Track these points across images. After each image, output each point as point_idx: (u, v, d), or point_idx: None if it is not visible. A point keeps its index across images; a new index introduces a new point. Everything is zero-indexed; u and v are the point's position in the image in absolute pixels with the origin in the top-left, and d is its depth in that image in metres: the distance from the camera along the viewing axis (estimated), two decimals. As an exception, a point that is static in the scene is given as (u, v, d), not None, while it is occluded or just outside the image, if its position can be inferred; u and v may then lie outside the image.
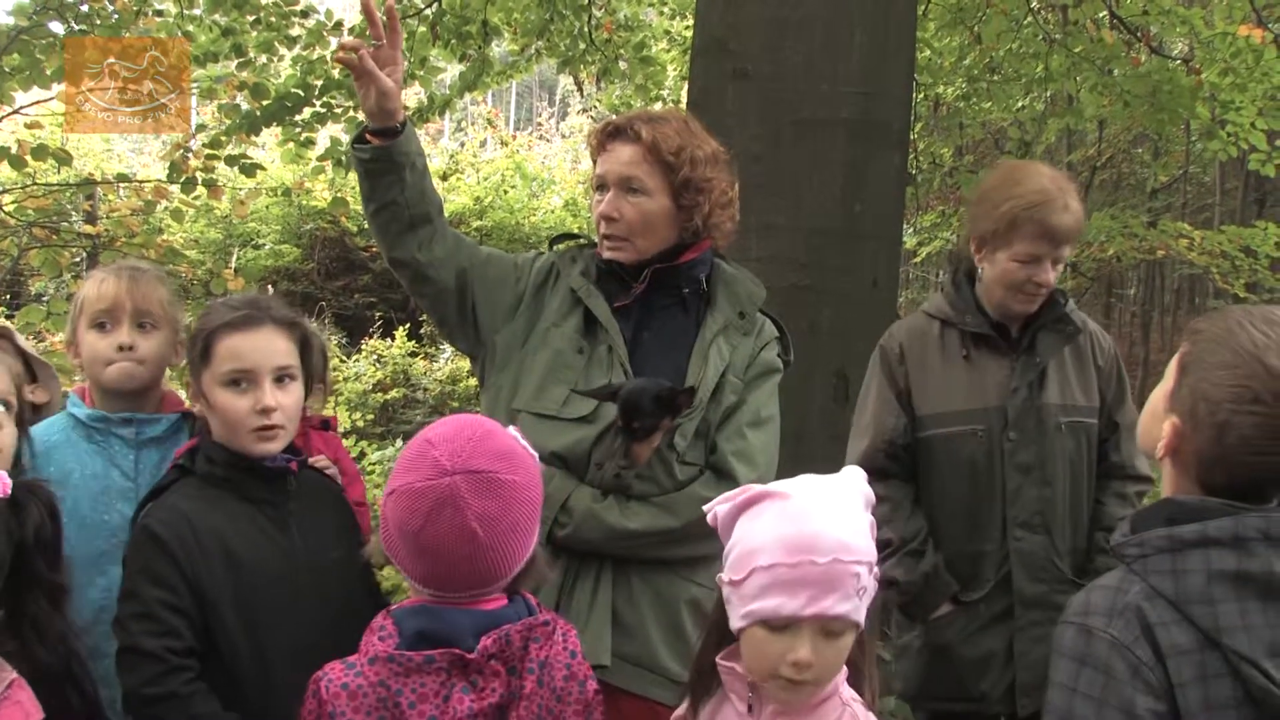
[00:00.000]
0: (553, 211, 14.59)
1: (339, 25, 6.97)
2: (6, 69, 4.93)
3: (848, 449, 2.72)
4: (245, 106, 6.37)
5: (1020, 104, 8.81)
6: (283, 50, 6.66)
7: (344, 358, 9.92)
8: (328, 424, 2.79)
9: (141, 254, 5.24)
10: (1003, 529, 2.53)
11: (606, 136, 2.19)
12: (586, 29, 7.78)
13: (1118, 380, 2.66)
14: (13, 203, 5.44)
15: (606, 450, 2.09)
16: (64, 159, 5.14)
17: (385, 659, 1.49)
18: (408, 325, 10.44)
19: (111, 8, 5.30)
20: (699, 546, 2.04)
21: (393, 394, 9.29)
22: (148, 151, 16.67)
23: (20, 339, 2.19)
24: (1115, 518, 2.51)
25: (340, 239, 12.83)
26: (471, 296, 2.21)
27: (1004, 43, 7.39)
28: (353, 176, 8.85)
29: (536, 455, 1.65)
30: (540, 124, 25.93)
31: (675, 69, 8.83)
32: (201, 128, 6.62)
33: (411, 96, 9.08)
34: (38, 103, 5.18)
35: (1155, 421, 1.51)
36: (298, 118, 6.71)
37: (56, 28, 5.06)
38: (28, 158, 4.90)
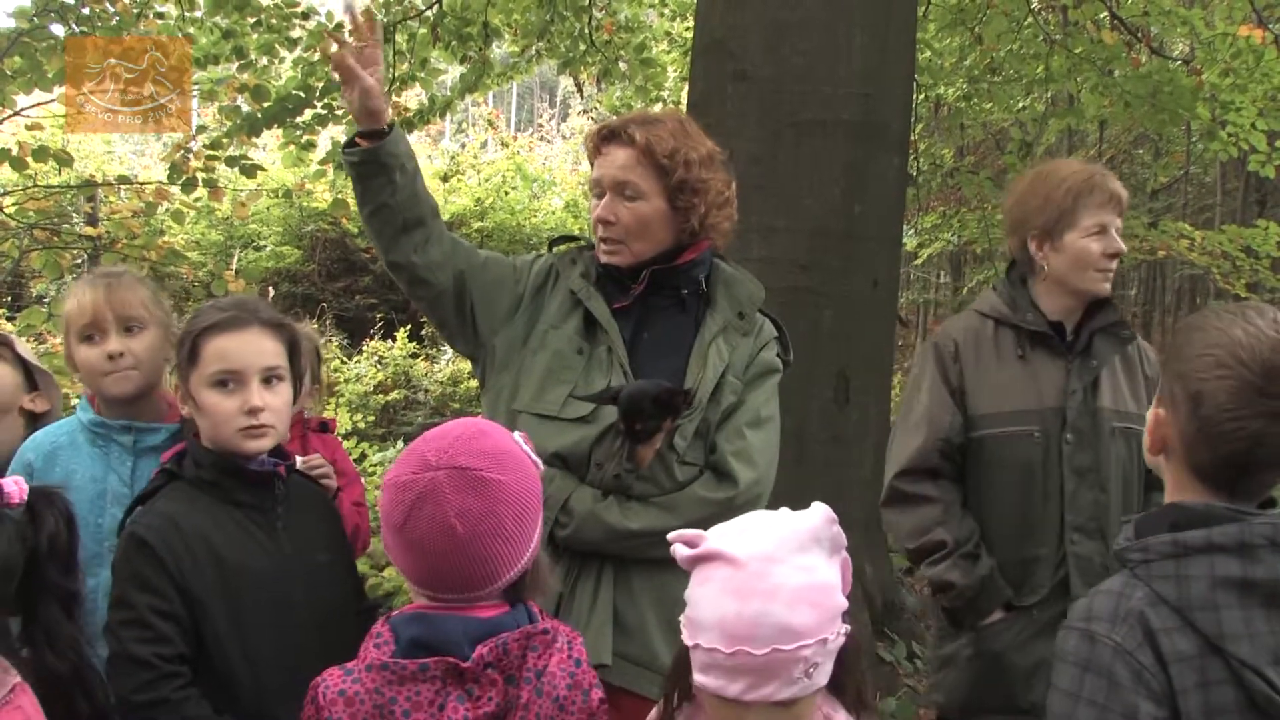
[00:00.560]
0: (553, 213, 14.59)
1: (340, 27, 6.98)
2: (8, 72, 4.94)
3: (894, 447, 2.65)
4: (246, 108, 6.38)
5: (1021, 105, 8.81)
6: (283, 52, 6.67)
7: (345, 359, 9.91)
8: (326, 426, 2.80)
9: (143, 255, 5.24)
10: (1059, 533, 2.47)
11: (601, 140, 2.20)
12: (587, 30, 7.79)
13: None
14: (14, 205, 5.45)
15: (607, 451, 2.09)
16: (65, 160, 5.15)
17: (380, 666, 1.49)
18: (409, 327, 10.44)
19: (112, 10, 5.31)
20: (699, 547, 2.04)
21: (394, 395, 9.29)
22: (149, 153, 16.69)
23: (20, 346, 2.20)
24: None
25: (341, 240, 12.83)
26: (470, 299, 2.21)
27: (1004, 43, 7.40)
28: (353, 178, 8.85)
29: (541, 465, 1.63)
30: (541, 125, 25.96)
31: (676, 70, 8.84)
32: (202, 129, 6.62)
33: (413, 98, 9.08)
34: (39, 104, 5.18)
35: (1153, 423, 1.52)
36: (298, 119, 6.72)
37: (57, 30, 5.07)
38: (29, 159, 4.91)
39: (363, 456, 7.13)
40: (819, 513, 1.45)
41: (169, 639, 1.77)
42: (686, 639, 1.44)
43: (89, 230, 6.11)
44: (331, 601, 1.97)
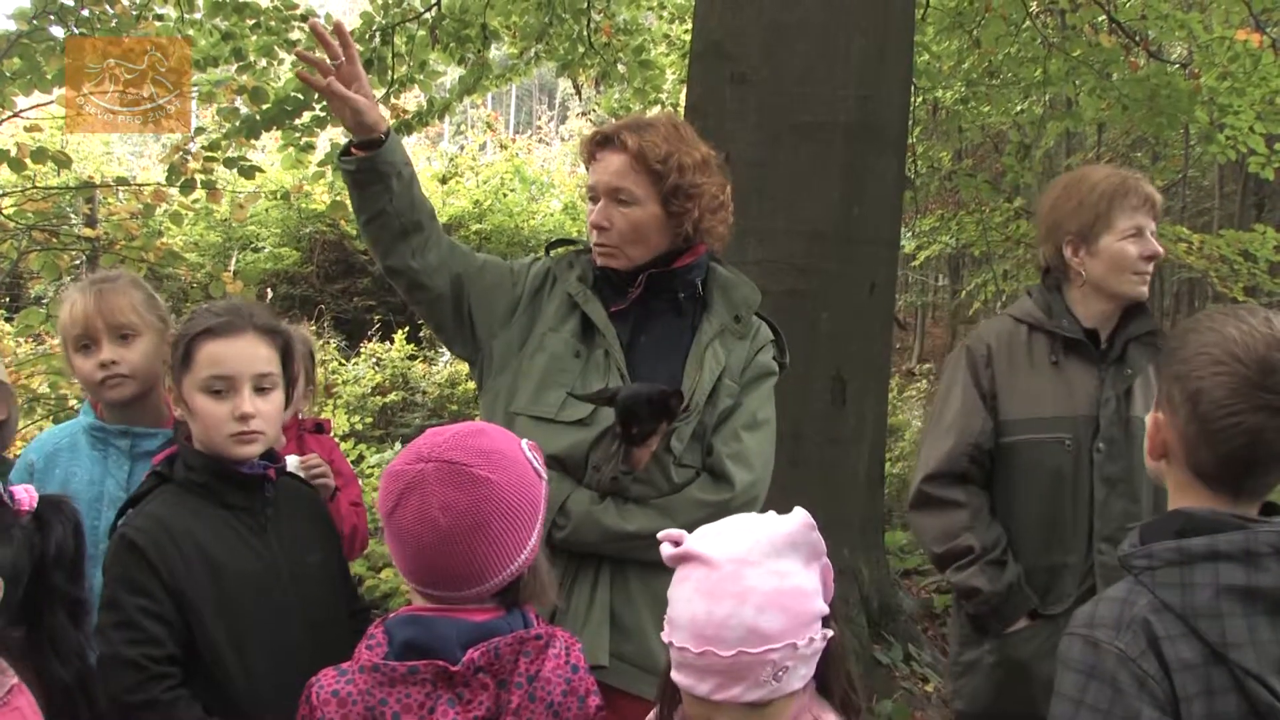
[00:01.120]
0: (552, 215, 14.59)
1: (338, 30, 6.98)
2: (7, 73, 4.94)
3: (923, 450, 2.64)
4: (245, 110, 6.38)
5: (1019, 108, 8.82)
6: (282, 54, 6.68)
7: (343, 361, 9.91)
8: (321, 426, 2.80)
9: (141, 257, 5.24)
10: (1087, 542, 2.46)
11: (595, 146, 2.21)
12: (585, 32, 7.80)
13: None
14: (12, 205, 5.45)
15: (603, 453, 2.10)
16: (63, 162, 5.15)
17: (371, 668, 1.49)
18: (407, 328, 10.44)
19: (111, 11, 5.31)
20: (696, 548, 2.05)
21: (392, 397, 9.28)
22: (148, 155, 16.70)
23: None
24: None
25: (339, 242, 12.83)
26: (467, 302, 2.22)
27: (1002, 46, 7.41)
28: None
29: (545, 475, 1.63)
30: (540, 127, 25.99)
31: (674, 73, 8.84)
32: (200, 130, 6.63)
33: (411, 100, 9.09)
34: (37, 106, 5.19)
35: (1151, 433, 1.52)
36: (297, 121, 6.72)
37: (57, 32, 5.07)
38: (27, 160, 4.91)
39: (360, 458, 7.13)
40: (797, 518, 1.45)
41: (158, 640, 1.77)
42: (665, 636, 1.45)
43: (87, 231, 6.11)
44: (322, 602, 1.99)
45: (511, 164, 15.43)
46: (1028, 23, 7.27)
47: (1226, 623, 1.32)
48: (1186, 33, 6.87)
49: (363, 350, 10.22)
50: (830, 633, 1.45)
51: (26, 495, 1.58)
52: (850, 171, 4.06)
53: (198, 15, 6.31)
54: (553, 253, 2.40)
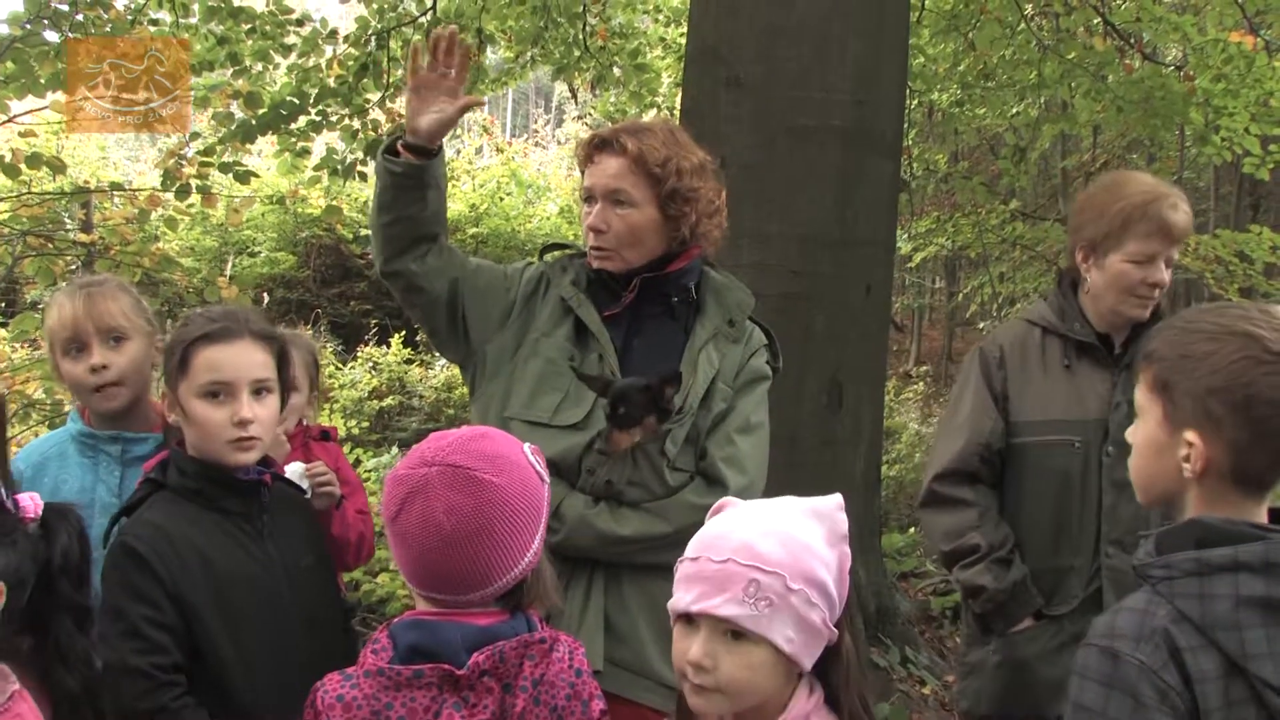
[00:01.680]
0: (548, 218, 14.60)
1: (334, 34, 6.99)
2: (1, 78, 4.93)
3: (934, 449, 2.66)
4: (240, 115, 6.38)
5: (1014, 110, 8.83)
6: (278, 58, 6.67)
7: (339, 365, 9.90)
8: (327, 434, 2.79)
9: (137, 262, 5.23)
10: (1095, 545, 2.46)
11: (593, 149, 2.21)
12: (581, 36, 7.80)
13: None
14: (7, 211, 5.44)
15: (598, 457, 2.10)
16: (58, 167, 5.13)
17: (377, 672, 1.50)
18: (403, 332, 10.42)
19: (106, 16, 5.31)
20: (690, 552, 2.05)
21: (388, 401, 9.27)
22: (144, 159, 16.69)
23: None
24: None
25: (336, 246, 12.82)
26: (462, 306, 2.22)
27: (997, 49, 7.42)
28: (349, 184, 8.84)
29: (547, 479, 1.64)
30: (536, 131, 25.97)
31: (670, 76, 8.85)
32: (195, 135, 6.62)
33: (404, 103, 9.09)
34: (32, 111, 5.17)
35: (1159, 455, 1.47)
36: (293, 126, 6.72)
37: (51, 36, 5.07)
38: (21, 166, 4.89)
39: (357, 462, 7.11)
40: (832, 498, 1.53)
41: (165, 649, 1.78)
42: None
43: (82, 236, 6.09)
44: (318, 604, 2.01)
45: (508, 168, 15.42)
46: (1023, 25, 7.28)
47: (1245, 634, 1.31)
48: (1181, 35, 6.89)
49: (359, 354, 10.20)
50: (836, 634, 1.47)
51: (32, 503, 1.58)
52: (845, 174, 4.06)
53: (193, 20, 6.31)
54: (546, 257, 2.39)
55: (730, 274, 2.36)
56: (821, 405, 4.11)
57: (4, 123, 5.13)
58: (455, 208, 13.84)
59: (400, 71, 7.38)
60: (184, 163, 6.02)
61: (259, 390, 1.95)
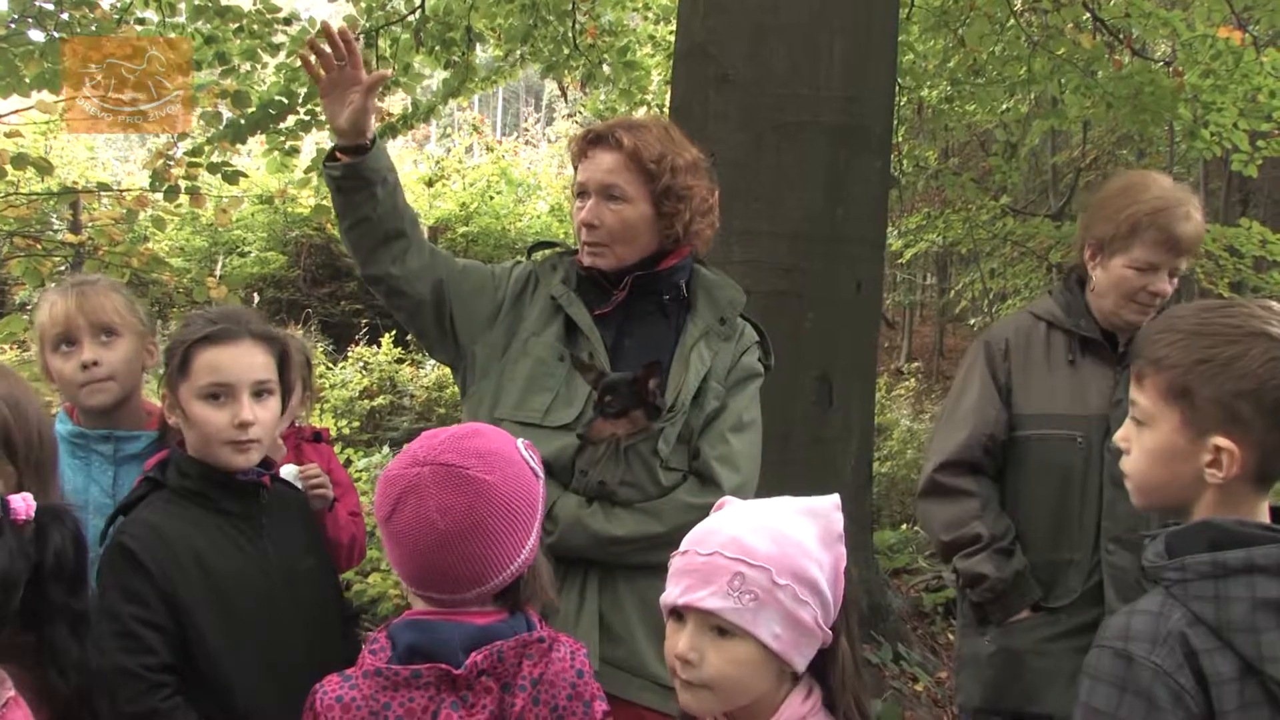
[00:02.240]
0: (538, 217, 14.59)
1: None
2: (-14, 77, 4.91)
3: (936, 440, 2.65)
4: (228, 115, 6.35)
5: (1004, 106, 8.84)
6: (266, 58, 6.64)
7: (330, 365, 9.88)
8: (320, 436, 2.77)
9: (125, 263, 5.21)
10: (1094, 540, 2.46)
11: (588, 144, 2.20)
12: (570, 34, 7.78)
13: None
14: (-7, 212, 5.42)
15: (590, 457, 2.09)
16: (44, 168, 5.11)
17: (375, 673, 1.49)
18: (394, 332, 10.40)
19: (92, 16, 5.28)
20: (684, 552, 2.04)
21: (379, 401, 9.26)
22: (133, 159, 16.62)
23: None
24: None
25: (326, 246, 12.80)
26: (449, 307, 2.21)
27: (987, 45, 7.42)
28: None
29: (542, 474, 1.63)
30: (526, 129, 25.96)
31: (659, 74, 8.84)
32: (183, 136, 6.59)
33: (396, 103, 9.07)
34: (17, 111, 5.15)
35: (1174, 462, 1.45)
36: (281, 125, 6.69)
37: (36, 36, 5.04)
38: (7, 166, 4.87)
39: (349, 462, 7.10)
40: (829, 498, 1.54)
41: (154, 649, 1.77)
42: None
43: (70, 237, 6.07)
44: (316, 605, 2.00)
45: (498, 166, 15.42)
46: (1012, 21, 7.29)
47: (1262, 636, 1.31)
48: (1169, 30, 6.90)
49: (350, 354, 10.19)
50: (830, 635, 1.48)
51: (24, 504, 1.55)
52: (834, 172, 4.06)
53: (180, 19, 6.28)
54: (535, 255, 2.39)
55: (721, 271, 2.35)
56: (812, 402, 4.11)
57: (-9, 123, 5.11)
58: (445, 207, 13.84)
59: (389, 70, 7.36)
60: (172, 163, 6.00)
61: (260, 392, 1.94)
